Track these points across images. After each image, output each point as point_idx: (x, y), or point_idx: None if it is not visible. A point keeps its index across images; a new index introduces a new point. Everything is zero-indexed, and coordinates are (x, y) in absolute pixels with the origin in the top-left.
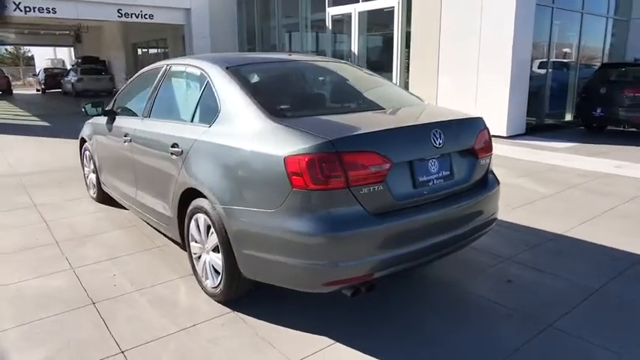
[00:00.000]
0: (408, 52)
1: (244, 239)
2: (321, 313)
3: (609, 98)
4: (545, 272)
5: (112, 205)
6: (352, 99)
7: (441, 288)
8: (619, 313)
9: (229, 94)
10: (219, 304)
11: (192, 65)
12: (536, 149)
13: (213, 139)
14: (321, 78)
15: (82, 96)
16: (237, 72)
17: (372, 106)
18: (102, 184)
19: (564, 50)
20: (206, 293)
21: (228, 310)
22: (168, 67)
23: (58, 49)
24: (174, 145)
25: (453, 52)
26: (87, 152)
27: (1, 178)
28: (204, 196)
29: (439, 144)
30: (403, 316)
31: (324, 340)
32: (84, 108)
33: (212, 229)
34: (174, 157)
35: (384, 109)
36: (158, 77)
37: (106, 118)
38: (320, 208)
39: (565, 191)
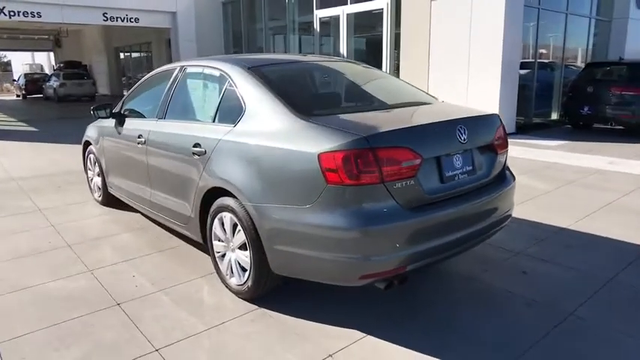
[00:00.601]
0: (398, 54)
1: (276, 236)
2: (347, 307)
3: (596, 97)
4: (556, 264)
5: (117, 208)
6: (372, 97)
7: (461, 282)
8: (635, 302)
9: (254, 93)
10: (245, 302)
11: (210, 66)
12: (529, 147)
13: (240, 139)
14: (339, 77)
15: (64, 101)
16: (260, 72)
17: (393, 104)
18: (108, 187)
19: (549, 50)
20: (230, 291)
21: (255, 306)
22: (182, 69)
23: (36, 53)
24: (196, 145)
25: (443, 52)
26: (91, 155)
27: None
28: (230, 195)
29: (464, 139)
30: (429, 309)
31: (355, 334)
32: (93, 111)
33: (239, 227)
34: (196, 157)
35: (404, 106)
36: (172, 79)
37: (114, 120)
38: (355, 202)
39: (564, 187)
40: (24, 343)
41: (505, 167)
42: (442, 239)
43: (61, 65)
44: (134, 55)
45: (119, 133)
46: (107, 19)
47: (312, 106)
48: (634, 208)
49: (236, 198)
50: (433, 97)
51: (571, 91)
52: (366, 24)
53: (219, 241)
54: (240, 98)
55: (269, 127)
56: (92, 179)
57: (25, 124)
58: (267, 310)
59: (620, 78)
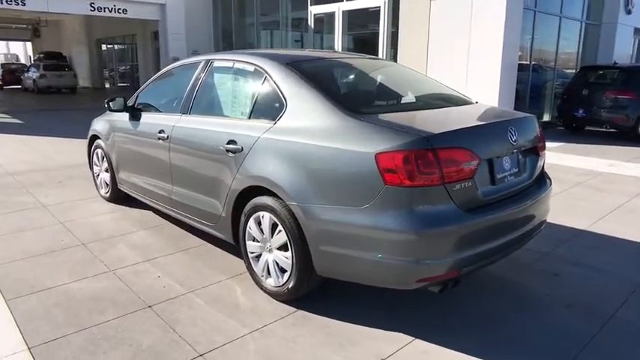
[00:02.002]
0: (395, 52)
1: (325, 237)
2: (386, 310)
3: (591, 100)
4: (585, 266)
5: (126, 205)
6: (417, 96)
7: (495, 283)
8: None
9: (296, 90)
10: (281, 304)
11: (242, 61)
12: None
13: (282, 136)
14: (375, 75)
15: (44, 93)
16: (299, 68)
17: (436, 104)
18: (118, 184)
19: (543, 53)
20: (265, 292)
21: (293, 308)
22: (209, 63)
23: (11, 43)
24: (230, 142)
25: (441, 53)
26: (99, 150)
27: None
28: (270, 194)
29: (514, 141)
30: (471, 311)
31: (402, 337)
32: (107, 104)
33: (279, 228)
34: (230, 154)
35: (447, 106)
36: (197, 73)
37: (128, 114)
38: (415, 204)
39: (572, 189)
40: (56, 347)
41: (544, 169)
42: (493, 242)
43: (41, 56)
44: (117, 47)
45: (134, 128)
46: (94, 9)
47: (358, 104)
48: None
49: (277, 197)
50: (468, 97)
51: (566, 94)
52: (362, 22)
53: (253, 241)
54: (280, 95)
55: (316, 125)
56: (99, 175)
57: (7, 116)
58: (307, 313)
59: (615, 82)
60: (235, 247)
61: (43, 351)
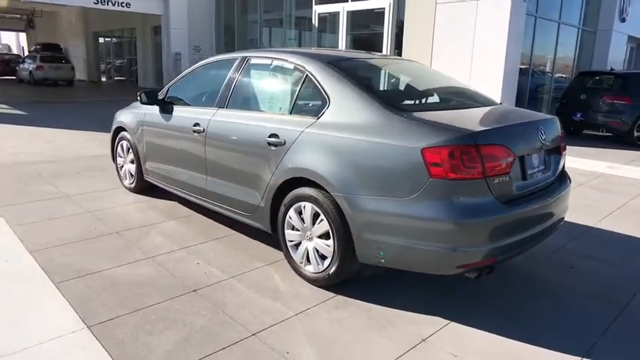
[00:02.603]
0: (399, 54)
1: (370, 226)
2: (420, 295)
3: (588, 104)
4: (597, 259)
5: (150, 196)
6: (446, 96)
7: (516, 274)
8: None
9: (339, 88)
10: (319, 289)
11: (281, 59)
12: None
13: (326, 131)
14: (406, 74)
15: (41, 84)
16: (340, 67)
17: (467, 104)
18: (144, 175)
19: (542, 58)
20: (304, 278)
21: (332, 293)
22: (245, 60)
23: (3, 34)
24: (272, 136)
25: (446, 57)
26: (124, 142)
27: (11, 167)
28: (313, 185)
29: (543, 140)
30: (499, 299)
31: (439, 320)
32: (140, 96)
33: (321, 217)
34: (272, 147)
35: (477, 106)
36: (233, 69)
37: (158, 107)
38: (458, 196)
39: (575, 189)
40: (114, 326)
41: (564, 168)
42: (523, 234)
43: (38, 47)
44: (115, 40)
45: (166, 121)
46: (98, 2)
47: (398, 102)
48: None
49: (320, 188)
50: (492, 99)
51: (564, 98)
52: (366, 22)
53: (292, 230)
54: (323, 92)
55: (359, 120)
56: (122, 166)
57: (9, 107)
58: (346, 297)
59: (611, 87)
60: (267, 235)
61: (102, 330)
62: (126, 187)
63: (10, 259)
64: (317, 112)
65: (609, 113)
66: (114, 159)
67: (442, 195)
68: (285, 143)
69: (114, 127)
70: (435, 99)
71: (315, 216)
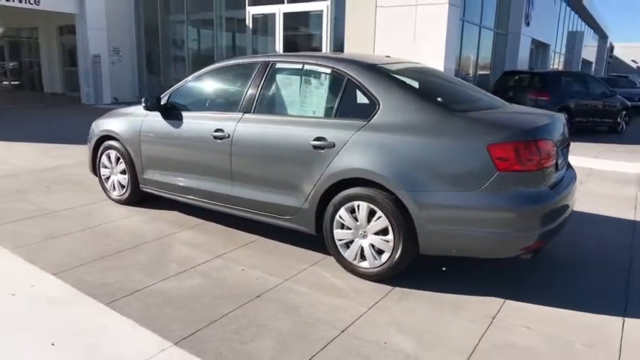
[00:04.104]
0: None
1: (437, 219)
2: (466, 281)
3: (515, 101)
4: (589, 236)
5: (144, 207)
6: (476, 98)
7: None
8: None
9: (387, 91)
10: (374, 284)
11: (315, 64)
12: None
13: (380, 132)
14: (433, 78)
15: None
16: (382, 70)
17: (493, 104)
18: (142, 185)
19: (467, 59)
20: (358, 275)
21: (389, 286)
22: (269, 64)
23: None
24: (318, 139)
25: None
26: (111, 152)
27: None
28: (366, 184)
29: (565, 134)
30: (533, 276)
31: (496, 300)
32: (147, 102)
33: (378, 214)
34: (319, 150)
35: (501, 106)
36: (256, 74)
37: (163, 113)
38: (521, 186)
39: None
40: (201, 340)
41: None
42: (559, 219)
43: None
44: (11, 40)
45: (175, 127)
46: None
47: (445, 103)
48: (599, 193)
49: (375, 187)
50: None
51: None
52: (303, 24)
53: (342, 229)
54: (370, 95)
55: (416, 121)
56: (109, 177)
57: None
58: (404, 289)
59: (533, 85)
60: (294, 238)
61: (192, 344)
62: (114, 199)
63: (36, 283)
64: (367, 115)
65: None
66: (95, 171)
67: (508, 186)
68: (334, 146)
69: (95, 136)
70: (469, 101)
71: (371, 213)
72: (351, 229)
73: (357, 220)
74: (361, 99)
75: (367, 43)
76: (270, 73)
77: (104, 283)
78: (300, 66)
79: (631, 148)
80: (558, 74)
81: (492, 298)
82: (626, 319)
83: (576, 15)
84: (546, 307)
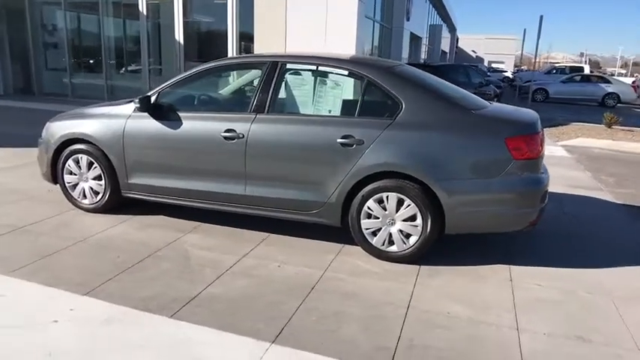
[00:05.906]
0: (246, 47)
1: (463, 203)
2: (473, 252)
3: None
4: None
5: (123, 214)
6: (468, 97)
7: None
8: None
9: (408, 92)
10: (402, 265)
11: (330, 65)
12: None
13: (407, 130)
14: (432, 79)
15: None
16: (399, 72)
17: (484, 103)
18: (124, 191)
19: (366, 52)
20: (386, 259)
21: (416, 266)
22: (278, 65)
23: None
24: (346, 137)
25: (300, 49)
26: (82, 156)
27: None
28: (396, 176)
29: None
30: (533, 245)
31: (502, 267)
32: (140, 102)
33: (407, 202)
34: (348, 147)
35: (488, 106)
36: (266, 74)
37: (149, 114)
38: (530, 171)
39: None
40: (292, 334)
41: None
42: (546, 199)
43: None
44: None
45: (172, 128)
46: None
47: (459, 102)
48: None
49: (404, 178)
50: None
51: None
52: (206, 11)
53: (368, 219)
54: (393, 96)
55: (439, 118)
56: (76, 185)
57: None
58: (430, 266)
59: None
60: (305, 230)
61: (287, 340)
62: (84, 208)
63: (74, 306)
64: (391, 114)
65: None
66: (53, 178)
67: (522, 171)
68: (364, 143)
69: (58, 140)
70: (464, 100)
71: (399, 202)
72: (379, 218)
73: (385, 210)
74: (385, 99)
75: (278, 36)
76: (280, 73)
77: (149, 296)
78: (313, 67)
79: None
80: (448, 67)
81: (499, 265)
82: (598, 269)
83: (434, 10)
84: (540, 267)
